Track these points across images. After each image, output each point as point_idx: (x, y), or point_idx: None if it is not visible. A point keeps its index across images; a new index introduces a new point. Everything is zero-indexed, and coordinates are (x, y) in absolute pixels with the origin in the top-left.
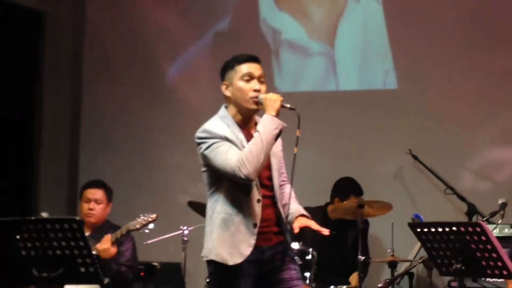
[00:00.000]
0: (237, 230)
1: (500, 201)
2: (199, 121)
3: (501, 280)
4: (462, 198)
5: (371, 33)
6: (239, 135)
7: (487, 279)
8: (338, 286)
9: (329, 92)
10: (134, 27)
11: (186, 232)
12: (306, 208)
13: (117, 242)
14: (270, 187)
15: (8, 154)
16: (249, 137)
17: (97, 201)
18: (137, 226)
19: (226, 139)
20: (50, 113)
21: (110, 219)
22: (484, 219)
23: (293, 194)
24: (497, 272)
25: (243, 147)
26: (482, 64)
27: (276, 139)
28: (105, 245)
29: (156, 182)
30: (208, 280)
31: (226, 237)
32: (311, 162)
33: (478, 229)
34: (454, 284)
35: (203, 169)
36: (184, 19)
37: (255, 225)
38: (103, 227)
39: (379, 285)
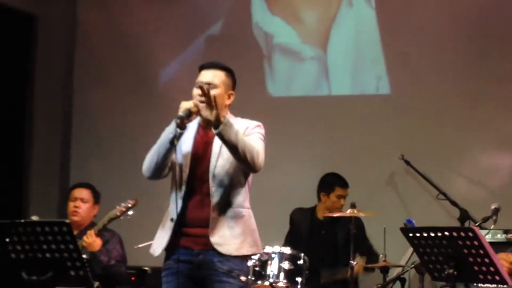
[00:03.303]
0: (164, 223)
1: (492, 207)
2: None
3: (493, 285)
4: (454, 203)
5: (364, 38)
6: (188, 134)
7: (480, 285)
8: None
9: (321, 96)
10: (126, 31)
11: None
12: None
13: (100, 234)
14: (206, 186)
15: None
16: (204, 137)
17: (82, 200)
18: (117, 214)
19: None
20: (42, 116)
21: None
22: (477, 224)
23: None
24: (489, 277)
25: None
26: (476, 69)
27: (172, 142)
28: (90, 239)
29: (147, 186)
30: None
31: (159, 230)
32: (303, 166)
33: (470, 234)
34: None
35: None
36: (176, 23)
37: (171, 220)
38: (90, 228)
39: None
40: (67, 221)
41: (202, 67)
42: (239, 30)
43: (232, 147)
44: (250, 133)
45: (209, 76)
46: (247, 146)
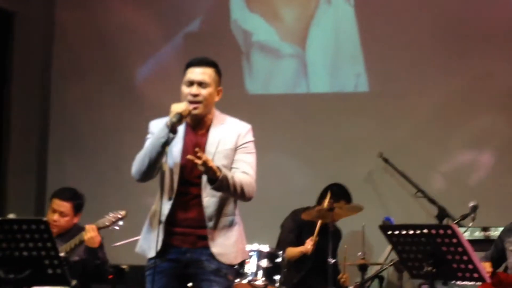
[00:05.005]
0: (154, 225)
1: (471, 204)
2: None
3: (471, 283)
4: (432, 201)
5: (343, 35)
6: (177, 135)
7: (458, 282)
8: None
9: (300, 94)
10: (104, 28)
11: None
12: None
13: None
14: (199, 186)
15: None
16: (193, 138)
17: (62, 214)
18: (106, 224)
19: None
20: (19, 113)
21: (80, 222)
22: (455, 222)
23: None
24: (467, 275)
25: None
26: (454, 67)
27: (164, 146)
28: (91, 234)
29: (125, 184)
30: None
31: (146, 231)
32: (281, 165)
33: (449, 231)
34: (424, 287)
35: None
36: (154, 20)
37: (161, 221)
38: (71, 231)
39: None
40: (45, 219)
41: (191, 64)
42: (218, 28)
43: (228, 192)
44: (241, 143)
45: (200, 74)
46: (238, 186)
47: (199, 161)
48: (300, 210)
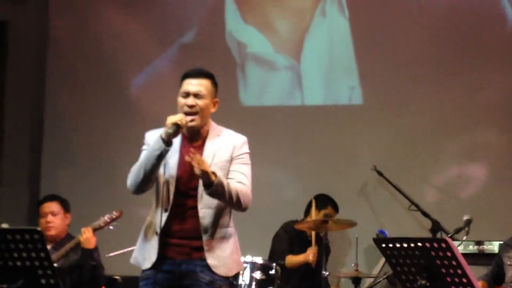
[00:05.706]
0: (149, 236)
1: (464, 218)
2: None
3: None
4: (426, 214)
5: (337, 48)
6: (173, 146)
7: None
8: None
9: (294, 106)
10: (98, 38)
11: None
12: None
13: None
14: (195, 197)
15: None
16: (189, 149)
17: (53, 213)
18: (101, 224)
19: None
20: (12, 123)
21: (73, 233)
22: (449, 235)
23: None
24: None
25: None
26: (448, 81)
27: (159, 159)
28: (87, 235)
29: (119, 196)
30: None
31: (141, 242)
32: (274, 177)
33: (443, 245)
34: None
35: None
36: (149, 30)
37: (156, 233)
38: (65, 240)
39: None
40: (39, 228)
41: (187, 75)
42: (212, 39)
43: (223, 199)
44: (237, 155)
45: (196, 85)
46: (234, 194)
47: (193, 161)
48: (291, 222)
